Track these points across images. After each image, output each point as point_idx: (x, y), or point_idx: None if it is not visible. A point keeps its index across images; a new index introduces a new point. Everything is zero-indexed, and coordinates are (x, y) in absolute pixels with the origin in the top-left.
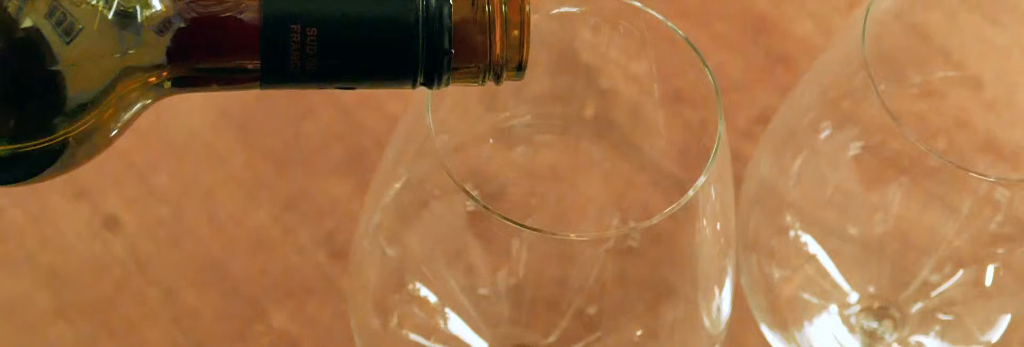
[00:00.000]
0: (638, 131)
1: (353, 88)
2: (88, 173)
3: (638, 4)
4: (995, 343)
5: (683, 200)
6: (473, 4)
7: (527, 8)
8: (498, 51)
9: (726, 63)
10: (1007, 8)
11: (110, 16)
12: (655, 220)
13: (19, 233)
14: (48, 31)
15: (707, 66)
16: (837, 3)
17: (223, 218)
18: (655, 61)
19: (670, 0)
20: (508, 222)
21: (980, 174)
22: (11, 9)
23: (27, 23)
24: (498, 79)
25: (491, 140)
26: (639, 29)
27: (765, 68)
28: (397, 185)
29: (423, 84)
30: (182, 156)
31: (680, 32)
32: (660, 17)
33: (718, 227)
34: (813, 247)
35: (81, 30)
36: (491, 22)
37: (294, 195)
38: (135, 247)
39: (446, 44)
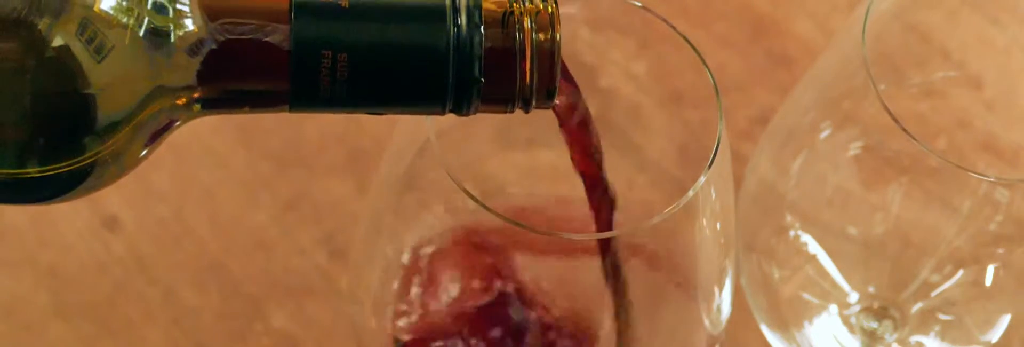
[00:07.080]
0: (638, 131)
1: (381, 113)
2: None
3: (638, 4)
4: (995, 343)
5: (683, 200)
6: (504, 32)
7: (558, 37)
8: (528, 80)
9: (726, 63)
10: (1007, 8)
11: (141, 35)
12: (655, 220)
13: (19, 233)
14: (79, 50)
15: (707, 66)
16: (837, 3)
17: (223, 218)
18: (655, 61)
19: (670, 0)
20: (508, 222)
21: (980, 174)
22: (41, 27)
23: (58, 42)
24: (527, 107)
25: (491, 140)
26: (639, 29)
27: (765, 68)
28: (397, 185)
29: (451, 111)
30: (182, 156)
31: (680, 32)
32: (660, 17)
33: (718, 227)
34: (813, 247)
35: (112, 49)
36: (521, 50)
37: (294, 195)
38: (135, 247)
39: (476, 72)
